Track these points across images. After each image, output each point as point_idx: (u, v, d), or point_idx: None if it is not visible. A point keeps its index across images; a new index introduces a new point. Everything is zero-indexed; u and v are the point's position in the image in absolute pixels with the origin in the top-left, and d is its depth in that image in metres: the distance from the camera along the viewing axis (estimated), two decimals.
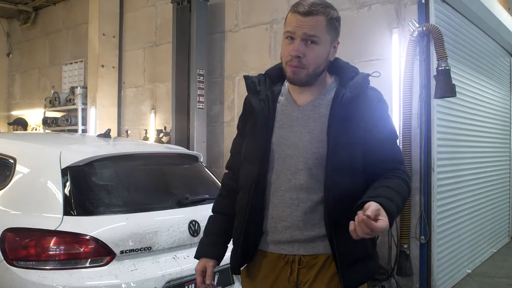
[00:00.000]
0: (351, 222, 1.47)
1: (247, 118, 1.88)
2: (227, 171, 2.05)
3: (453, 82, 4.31)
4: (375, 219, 1.44)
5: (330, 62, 1.78)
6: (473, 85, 5.82)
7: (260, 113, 1.78)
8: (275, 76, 1.87)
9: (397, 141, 1.79)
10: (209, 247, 1.95)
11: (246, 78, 1.87)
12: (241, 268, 1.89)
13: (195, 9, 5.84)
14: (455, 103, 5.08)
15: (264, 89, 1.83)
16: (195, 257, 1.98)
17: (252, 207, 1.77)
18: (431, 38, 4.40)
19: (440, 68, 4.28)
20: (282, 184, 1.74)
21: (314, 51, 1.69)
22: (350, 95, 1.70)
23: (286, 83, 1.83)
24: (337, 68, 1.82)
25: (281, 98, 1.82)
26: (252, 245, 1.82)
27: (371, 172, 1.72)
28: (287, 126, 1.76)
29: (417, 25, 4.41)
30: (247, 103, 1.89)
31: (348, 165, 1.68)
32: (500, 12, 6.33)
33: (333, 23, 1.72)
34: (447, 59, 4.29)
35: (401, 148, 4.03)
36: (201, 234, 2.95)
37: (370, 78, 1.79)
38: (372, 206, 1.46)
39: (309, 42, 1.68)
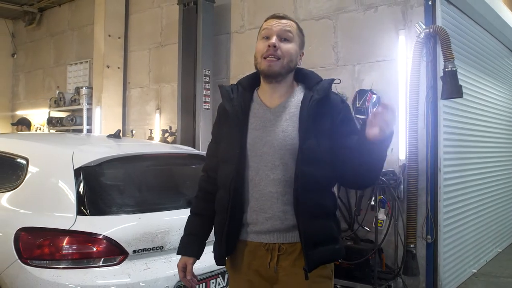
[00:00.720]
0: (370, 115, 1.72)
1: (222, 124, 2.07)
2: (203, 174, 2.22)
3: (460, 83, 4.32)
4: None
5: (296, 70, 2.02)
6: (479, 86, 5.84)
7: (234, 117, 1.98)
8: (247, 84, 2.07)
9: None
10: (188, 246, 2.18)
11: (221, 87, 2.08)
12: (226, 259, 2.06)
13: (201, 10, 5.88)
14: (462, 104, 5.09)
15: (237, 96, 2.02)
16: (177, 253, 2.20)
17: (233, 202, 1.94)
18: (437, 40, 4.42)
19: (446, 69, 4.30)
20: (262, 180, 1.92)
21: (288, 45, 1.93)
22: (318, 96, 1.92)
23: (256, 91, 2.06)
24: (302, 75, 2.05)
25: (252, 103, 2.02)
26: (234, 237, 1.98)
27: (339, 161, 1.91)
28: (261, 127, 1.96)
29: (424, 27, 4.44)
30: (221, 110, 2.10)
31: (317, 156, 1.88)
32: (506, 13, 6.36)
33: (302, 33, 2.02)
34: (454, 60, 4.31)
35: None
36: (211, 235, 3.01)
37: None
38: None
39: (283, 38, 1.92)
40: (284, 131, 1.92)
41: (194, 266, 2.88)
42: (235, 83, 2.10)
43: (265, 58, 1.92)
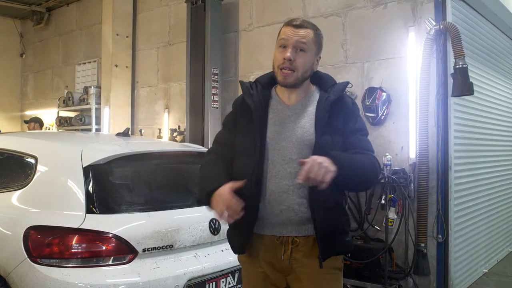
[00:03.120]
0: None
1: (239, 116, 2.16)
2: (207, 154, 2.26)
3: (470, 80, 4.28)
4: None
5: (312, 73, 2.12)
6: (490, 83, 5.78)
7: (255, 112, 2.07)
8: (265, 83, 2.17)
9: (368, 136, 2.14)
10: (216, 177, 2.04)
11: (242, 83, 2.19)
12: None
13: (209, 8, 5.87)
14: (472, 101, 5.04)
15: (256, 93, 2.13)
16: (205, 193, 2.00)
17: (252, 194, 2.00)
18: (448, 36, 4.38)
19: (457, 66, 4.26)
20: (279, 172, 2.02)
21: (303, 57, 2.03)
22: (333, 97, 2.06)
23: (275, 89, 2.17)
24: (318, 78, 2.16)
25: (271, 100, 2.14)
26: (251, 227, 2.04)
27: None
28: (279, 122, 2.08)
29: (434, 23, 4.40)
30: (238, 103, 2.19)
31: (331, 148, 1.96)
32: None
33: (319, 39, 2.09)
34: (464, 57, 4.27)
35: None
36: (221, 233, 3.00)
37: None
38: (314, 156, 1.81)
39: (299, 49, 2.02)
40: (302, 127, 2.04)
41: (204, 265, 2.90)
42: (253, 81, 2.20)
43: (281, 69, 2.03)
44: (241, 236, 2.07)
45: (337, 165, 1.80)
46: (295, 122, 2.06)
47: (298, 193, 1.99)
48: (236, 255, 2.22)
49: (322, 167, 1.75)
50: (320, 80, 2.16)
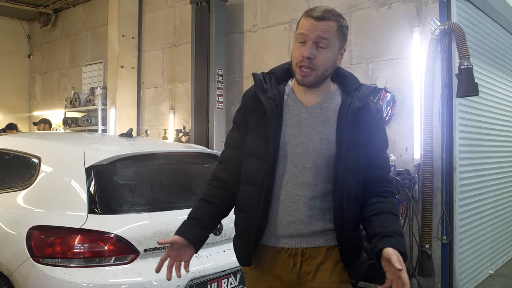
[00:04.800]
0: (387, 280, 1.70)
1: (250, 114, 1.92)
2: (219, 164, 2.05)
3: (476, 80, 4.25)
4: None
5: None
6: (495, 83, 5.74)
7: (269, 111, 1.84)
8: (280, 75, 1.93)
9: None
10: (188, 229, 1.93)
11: (255, 75, 1.94)
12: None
13: (214, 9, 5.88)
14: (477, 102, 5.01)
15: (270, 87, 1.89)
16: (174, 234, 1.94)
17: (264, 202, 1.82)
18: (453, 37, 4.36)
19: (462, 67, 4.23)
20: (290, 181, 1.82)
21: (324, 54, 1.79)
22: (358, 104, 1.83)
23: (290, 83, 1.92)
24: (340, 76, 1.93)
25: (286, 98, 1.89)
26: (259, 237, 1.87)
27: (368, 173, 1.88)
28: (295, 125, 1.85)
29: (439, 24, 4.37)
30: (250, 98, 1.94)
31: (356, 165, 1.82)
32: None
33: (343, 30, 1.82)
34: (469, 57, 4.24)
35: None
36: (223, 233, 3.01)
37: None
38: (394, 257, 1.67)
39: (320, 45, 1.77)
40: (320, 133, 1.83)
41: (206, 265, 2.90)
42: (266, 72, 1.96)
43: (299, 67, 1.80)
44: (247, 246, 1.88)
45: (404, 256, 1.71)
46: (312, 126, 1.84)
47: (310, 204, 1.81)
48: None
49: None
50: (342, 79, 1.93)
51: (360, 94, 1.85)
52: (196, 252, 1.95)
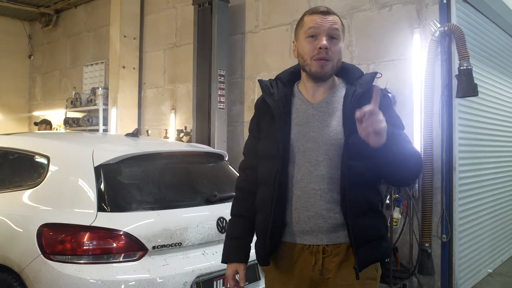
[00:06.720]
0: (357, 111, 1.62)
1: (261, 119, 2.01)
2: (240, 173, 2.15)
3: (475, 81, 4.31)
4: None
5: None
6: (495, 84, 5.81)
7: (276, 111, 1.91)
8: (286, 80, 2.01)
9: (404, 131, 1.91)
10: (236, 251, 2.06)
11: (261, 81, 2.03)
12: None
13: (216, 10, 5.93)
14: (477, 102, 5.07)
15: (277, 91, 1.96)
16: (222, 262, 2.08)
17: (277, 199, 1.87)
18: (452, 38, 4.42)
19: (462, 68, 4.29)
20: (304, 176, 1.85)
21: (337, 45, 1.86)
22: (361, 90, 1.86)
23: (297, 85, 2.00)
24: (344, 70, 1.97)
25: (293, 99, 1.97)
26: (277, 236, 1.90)
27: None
28: (304, 122, 1.90)
29: (439, 25, 4.43)
30: (259, 104, 2.03)
31: (361, 150, 1.76)
32: None
33: (343, 27, 1.93)
34: (469, 58, 4.30)
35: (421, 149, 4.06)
36: None
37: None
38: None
39: (333, 36, 1.85)
40: (328, 126, 1.87)
41: (212, 262, 2.95)
42: (273, 79, 2.04)
43: (316, 60, 1.84)
44: (265, 245, 1.91)
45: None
46: (320, 121, 1.88)
47: (327, 197, 1.82)
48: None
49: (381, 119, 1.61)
50: (346, 72, 1.96)
51: (362, 81, 1.89)
52: (246, 265, 2.08)
